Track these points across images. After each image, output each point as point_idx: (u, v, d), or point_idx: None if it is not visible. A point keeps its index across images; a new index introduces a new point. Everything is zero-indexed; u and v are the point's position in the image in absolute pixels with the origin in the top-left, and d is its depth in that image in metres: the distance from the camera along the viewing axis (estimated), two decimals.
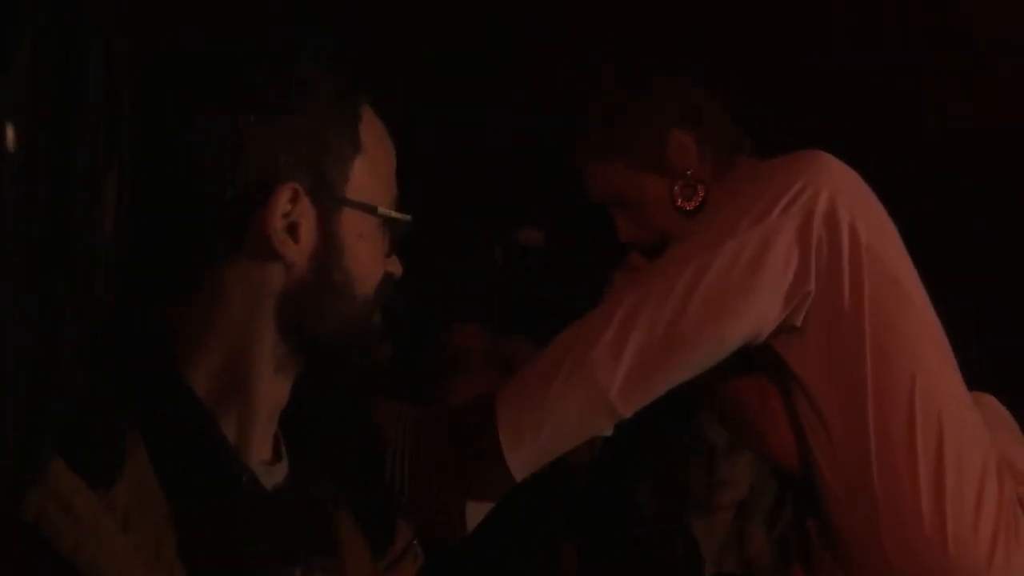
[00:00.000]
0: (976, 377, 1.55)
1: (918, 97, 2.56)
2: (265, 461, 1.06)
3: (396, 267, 1.11)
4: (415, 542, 1.19)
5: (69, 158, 0.76)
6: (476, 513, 1.36)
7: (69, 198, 0.75)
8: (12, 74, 0.72)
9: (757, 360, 1.51)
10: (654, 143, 1.65)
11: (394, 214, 1.08)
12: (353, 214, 1.03)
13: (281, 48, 1.04)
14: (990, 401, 1.61)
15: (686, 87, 1.72)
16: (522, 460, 1.35)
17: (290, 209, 0.99)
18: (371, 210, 1.05)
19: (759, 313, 1.39)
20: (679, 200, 1.64)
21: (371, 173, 1.06)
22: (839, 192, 1.39)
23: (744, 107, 1.75)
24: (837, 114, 2.45)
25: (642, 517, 2.26)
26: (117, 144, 0.79)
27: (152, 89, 0.99)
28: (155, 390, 0.99)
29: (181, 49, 1.06)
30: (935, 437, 1.37)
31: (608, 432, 1.46)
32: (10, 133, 0.72)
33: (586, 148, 1.71)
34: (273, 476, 1.06)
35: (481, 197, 3.75)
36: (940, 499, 1.36)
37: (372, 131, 1.07)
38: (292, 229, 0.99)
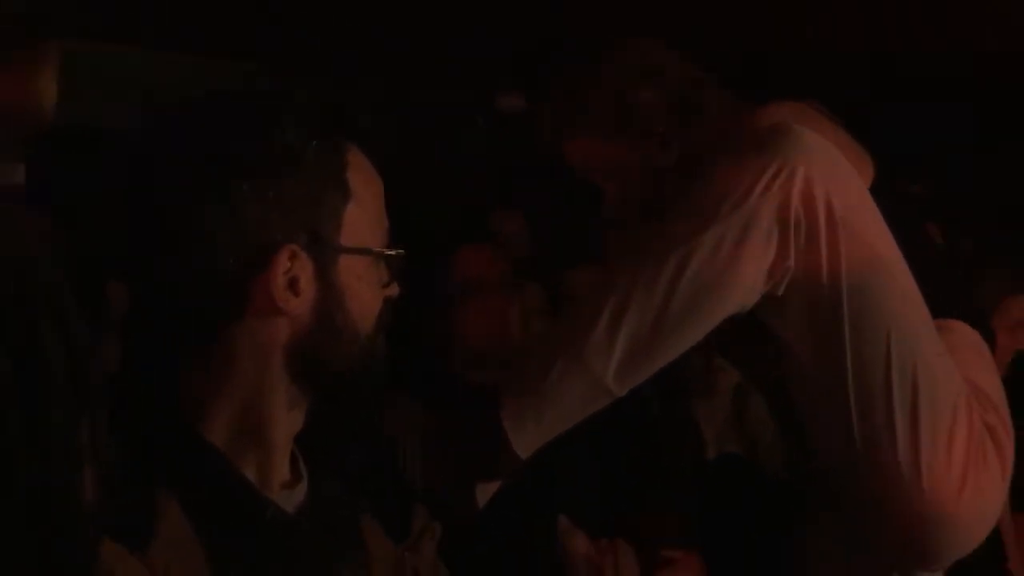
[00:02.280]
0: None
1: None
2: (285, 483, 1.10)
3: (394, 290, 1.13)
4: (431, 521, 1.27)
5: None
6: (485, 492, 1.45)
7: None
8: None
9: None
10: (617, 109, 1.65)
11: (388, 251, 1.10)
12: (349, 259, 1.07)
13: (266, 114, 1.04)
14: (961, 328, 1.67)
15: (644, 46, 1.70)
16: (526, 443, 1.43)
17: (289, 267, 1.02)
18: (366, 252, 1.08)
19: (743, 292, 1.44)
20: (656, 160, 1.65)
21: (362, 216, 1.08)
22: (814, 168, 1.41)
23: None
24: None
25: (644, 399, 2.31)
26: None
27: (147, 168, 1.04)
28: (177, 449, 1.03)
29: (173, 124, 1.07)
30: (910, 388, 1.45)
31: None
32: None
33: (554, 128, 1.71)
34: (294, 497, 1.11)
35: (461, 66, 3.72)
36: (915, 442, 1.46)
37: (359, 174, 1.08)
38: (292, 284, 1.03)
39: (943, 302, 1.58)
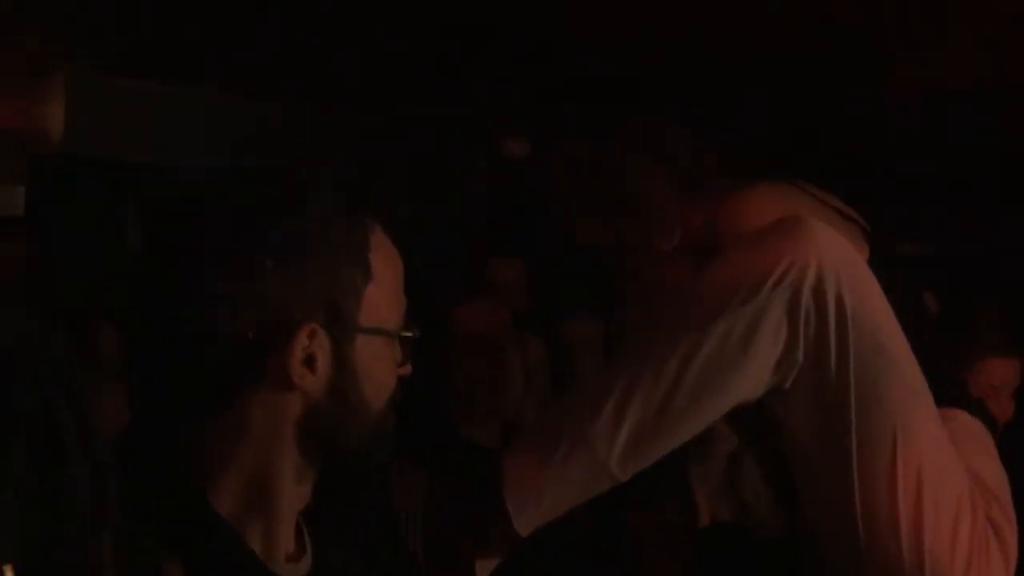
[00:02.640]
0: None
1: None
2: (290, 555, 1.09)
3: (407, 369, 1.13)
4: None
5: None
6: (485, 568, 1.45)
7: None
8: None
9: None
10: (621, 189, 1.67)
11: (405, 332, 1.10)
12: (367, 338, 1.06)
13: (294, 193, 1.05)
14: (963, 417, 1.67)
15: (650, 126, 1.72)
16: (527, 523, 1.43)
17: (308, 344, 1.02)
18: (384, 332, 1.08)
19: (750, 384, 1.44)
20: (658, 239, 1.67)
21: (382, 297, 1.07)
22: (825, 263, 1.41)
23: None
24: None
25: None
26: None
27: (175, 240, 1.04)
28: (184, 517, 1.02)
29: (201, 197, 1.07)
30: (914, 485, 1.45)
31: None
32: None
33: (559, 204, 1.73)
34: (299, 570, 1.09)
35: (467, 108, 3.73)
36: (919, 537, 1.46)
37: (381, 255, 1.08)
38: (309, 361, 1.02)
39: (944, 390, 1.58)
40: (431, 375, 2.19)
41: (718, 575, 2.28)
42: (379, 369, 1.08)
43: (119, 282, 1.15)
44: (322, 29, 2.95)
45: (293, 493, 1.07)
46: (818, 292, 1.41)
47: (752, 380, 1.43)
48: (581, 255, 1.82)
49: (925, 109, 3.15)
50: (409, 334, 1.10)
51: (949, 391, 1.69)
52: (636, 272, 1.73)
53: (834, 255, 1.44)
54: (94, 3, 2.80)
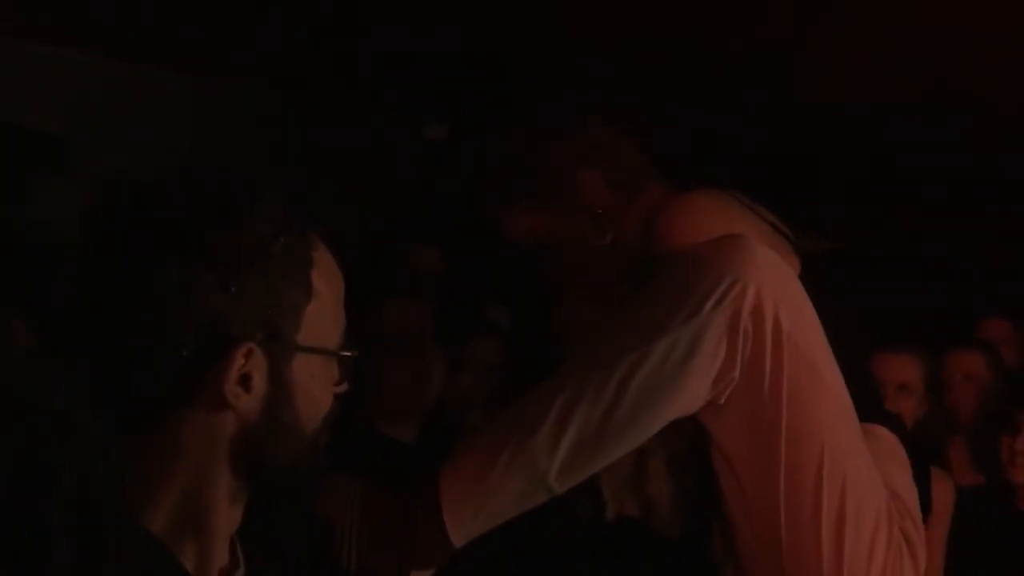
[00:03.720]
0: None
1: None
2: (223, 571, 1.08)
3: (344, 388, 1.11)
4: None
5: None
6: None
7: None
8: None
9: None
10: (559, 187, 1.65)
11: (344, 352, 1.07)
12: (305, 358, 1.04)
13: (237, 203, 1.01)
14: (882, 433, 1.71)
15: (589, 125, 1.71)
16: (463, 534, 1.42)
17: (244, 363, 0.99)
18: (323, 352, 1.05)
19: (688, 399, 1.44)
20: (589, 237, 1.66)
21: (322, 315, 1.05)
22: (764, 284, 1.42)
23: None
24: None
25: None
26: None
27: (111, 250, 1.00)
28: (116, 535, 1.01)
29: (141, 202, 1.02)
30: (838, 500, 1.48)
31: None
32: None
33: (495, 200, 1.70)
34: None
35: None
36: (839, 552, 1.49)
37: (323, 272, 1.06)
38: (244, 380, 1.00)
39: (864, 405, 1.61)
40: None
41: (622, 565, 2.33)
42: (316, 388, 1.06)
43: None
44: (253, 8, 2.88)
45: (226, 512, 1.05)
46: (756, 313, 1.42)
47: (690, 396, 1.44)
48: (508, 248, 1.81)
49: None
50: (348, 354, 1.08)
51: (870, 407, 1.73)
52: (566, 268, 1.72)
53: (773, 277, 1.45)
54: None
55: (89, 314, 1.01)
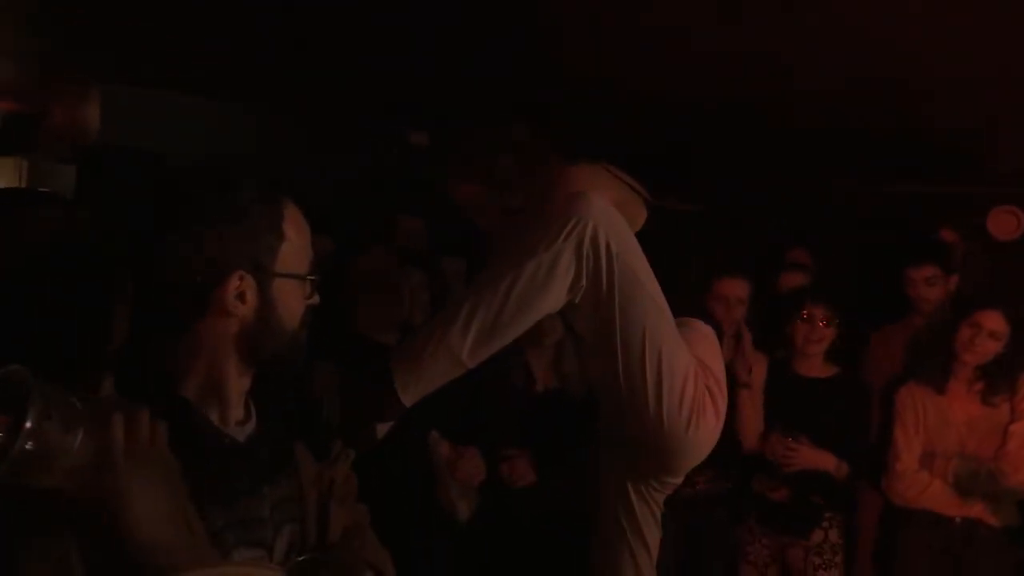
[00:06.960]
0: None
1: None
2: (239, 421, 1.21)
3: (315, 300, 1.24)
4: (345, 448, 1.35)
5: None
6: (382, 429, 1.60)
7: None
8: None
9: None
10: (489, 168, 1.79)
11: (310, 276, 1.21)
12: (282, 281, 1.16)
13: (228, 185, 1.13)
14: (698, 324, 1.88)
15: (513, 125, 1.84)
16: (410, 396, 1.57)
17: (238, 284, 1.13)
18: (294, 276, 1.18)
19: (553, 300, 1.61)
20: (507, 201, 1.80)
21: (293, 251, 1.18)
22: (600, 222, 1.58)
23: None
24: None
25: None
26: None
27: (156, 217, 1.12)
28: (165, 401, 1.12)
29: (170, 188, 1.15)
30: (656, 362, 1.64)
31: None
32: None
33: (452, 175, 1.86)
34: (246, 430, 1.21)
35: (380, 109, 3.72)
36: (659, 395, 1.65)
37: (292, 222, 1.18)
38: (240, 296, 1.14)
39: (681, 305, 1.77)
40: (344, 302, 2.27)
41: (549, 420, 2.40)
42: (291, 301, 1.18)
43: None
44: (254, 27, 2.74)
45: (237, 382, 1.19)
46: (594, 241, 1.58)
47: (554, 297, 1.60)
48: (458, 212, 1.89)
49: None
50: (313, 277, 1.21)
51: (693, 307, 1.82)
52: (492, 223, 1.87)
53: (606, 218, 1.61)
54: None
55: (144, 262, 1.14)
